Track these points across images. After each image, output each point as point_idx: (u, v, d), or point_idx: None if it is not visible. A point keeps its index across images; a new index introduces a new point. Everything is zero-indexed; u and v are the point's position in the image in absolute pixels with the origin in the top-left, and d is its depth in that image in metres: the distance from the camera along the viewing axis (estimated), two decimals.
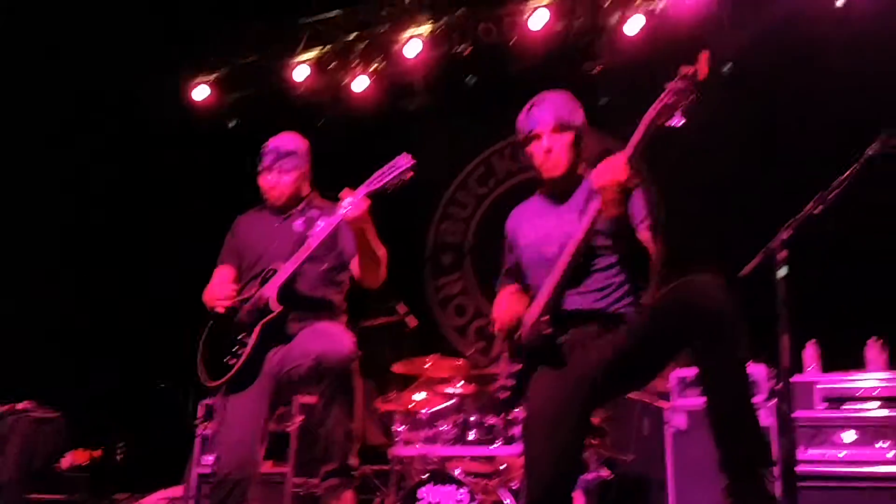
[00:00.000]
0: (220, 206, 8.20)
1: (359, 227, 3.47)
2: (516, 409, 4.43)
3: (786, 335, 3.30)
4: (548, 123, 3.03)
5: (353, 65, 7.80)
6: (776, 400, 4.80)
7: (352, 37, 7.76)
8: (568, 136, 3.03)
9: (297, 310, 3.66)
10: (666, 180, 7.11)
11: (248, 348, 3.55)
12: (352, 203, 3.37)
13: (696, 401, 4.99)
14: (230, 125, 8.32)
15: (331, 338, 3.49)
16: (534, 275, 3.07)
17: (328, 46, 7.85)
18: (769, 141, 6.46)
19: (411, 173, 3.39)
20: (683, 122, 2.75)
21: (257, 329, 3.56)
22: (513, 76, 7.44)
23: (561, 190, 3.11)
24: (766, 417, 4.72)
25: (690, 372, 5.10)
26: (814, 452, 4.47)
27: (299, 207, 3.90)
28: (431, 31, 7.42)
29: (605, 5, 6.87)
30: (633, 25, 6.82)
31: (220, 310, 3.69)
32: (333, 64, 7.88)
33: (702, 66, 2.66)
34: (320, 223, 3.63)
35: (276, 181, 3.83)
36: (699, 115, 7.10)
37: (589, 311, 2.93)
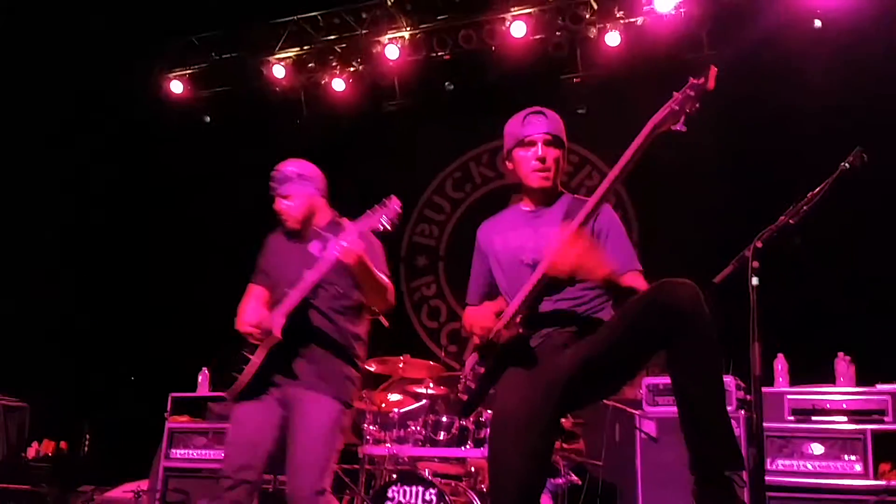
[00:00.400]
0: (199, 202, 8.23)
1: (356, 265, 3.46)
2: (473, 414, 4.44)
3: (756, 344, 3.33)
4: (545, 134, 3.03)
5: (331, 65, 7.79)
6: (744, 410, 4.89)
7: (331, 38, 7.75)
8: (558, 151, 3.06)
9: (304, 344, 3.64)
10: (643, 196, 7.20)
11: (252, 367, 3.61)
12: (347, 244, 3.37)
13: (667, 409, 5.05)
14: (206, 120, 8.27)
15: (300, 466, 3.51)
16: (508, 285, 3.04)
17: (307, 46, 7.83)
18: (746, 157, 6.56)
19: (398, 215, 3.41)
20: (685, 129, 2.75)
21: (262, 351, 3.59)
22: (492, 83, 7.49)
23: (541, 201, 3.10)
24: (736, 427, 4.80)
25: (661, 380, 5.16)
26: (782, 463, 4.55)
27: (316, 229, 3.84)
28: (412, 36, 7.45)
29: (586, 17, 6.93)
30: (613, 39, 6.90)
31: (251, 340, 3.64)
32: (312, 64, 7.87)
33: (710, 78, 2.68)
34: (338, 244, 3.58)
35: (284, 207, 3.82)
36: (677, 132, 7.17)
37: (565, 313, 2.90)
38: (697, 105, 2.68)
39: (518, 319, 2.84)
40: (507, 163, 3.18)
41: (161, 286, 8.03)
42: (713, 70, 2.66)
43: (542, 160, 3.01)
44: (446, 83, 7.68)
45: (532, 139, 3.04)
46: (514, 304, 2.86)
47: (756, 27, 6.31)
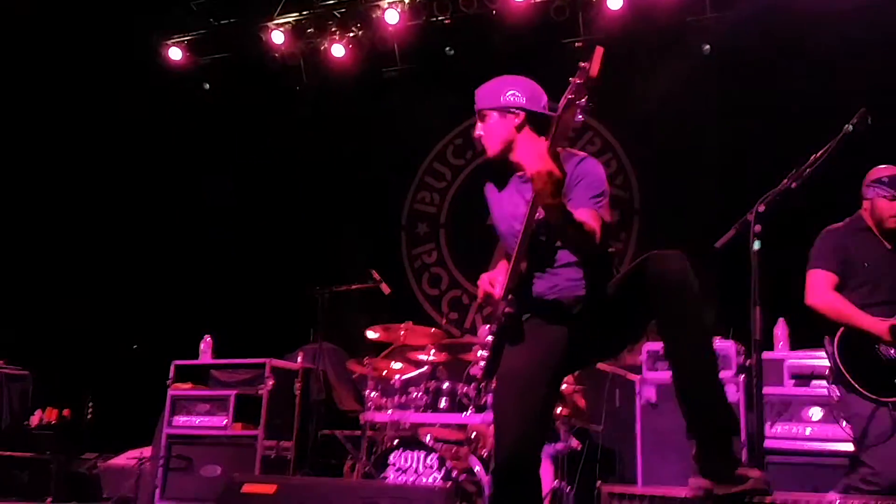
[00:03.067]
0: (195, 168, 8.22)
1: None
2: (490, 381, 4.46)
3: (757, 308, 3.32)
4: (476, 110, 3.10)
5: (331, 30, 7.71)
6: (744, 375, 4.89)
7: (330, 2, 7.67)
8: (490, 121, 3.04)
9: None
10: (644, 162, 7.17)
11: None
12: None
13: (667, 374, 5.04)
14: (206, 87, 8.22)
15: None
16: (508, 245, 3.08)
17: (306, 11, 7.75)
18: (749, 120, 6.51)
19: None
20: (582, 119, 2.53)
21: None
22: (493, 48, 7.41)
23: (512, 169, 3.08)
24: (735, 392, 4.81)
25: (661, 346, 5.15)
26: (781, 428, 4.56)
27: None
28: (411, 0, 7.36)
29: None
30: (615, 2, 6.80)
31: None
32: (311, 29, 7.79)
33: (594, 63, 2.46)
34: None
35: None
36: (679, 93, 7.13)
37: (552, 300, 2.93)
38: (586, 96, 2.47)
39: (509, 299, 2.84)
40: None
41: (162, 254, 8.04)
42: (598, 51, 2.47)
43: (479, 137, 3.10)
44: (447, 48, 7.60)
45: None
46: (504, 281, 2.87)
47: None
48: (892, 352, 3.60)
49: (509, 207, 3.03)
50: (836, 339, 3.72)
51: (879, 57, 5.61)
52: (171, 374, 6.21)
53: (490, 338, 2.96)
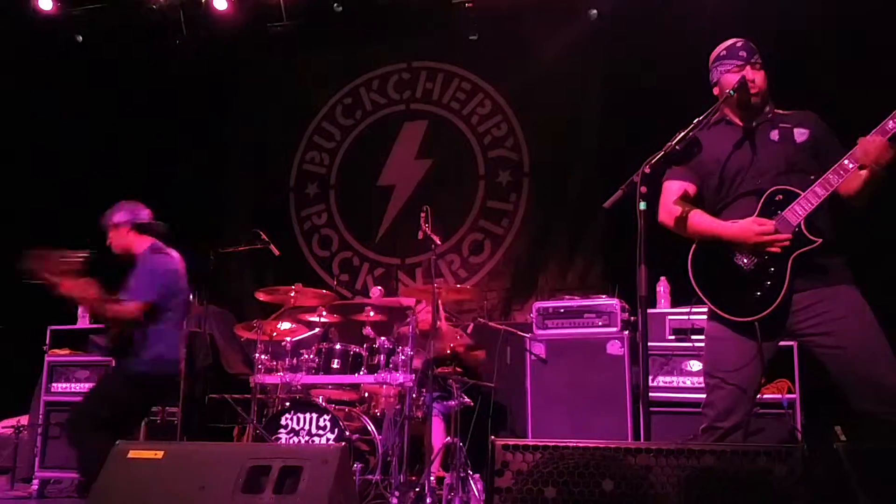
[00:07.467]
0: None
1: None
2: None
3: (643, 266, 3.41)
4: None
5: None
6: (629, 331, 5.07)
7: None
8: None
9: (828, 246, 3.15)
10: (535, 121, 7.25)
11: (786, 283, 3.12)
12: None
13: (555, 332, 5.20)
14: (78, 40, 7.79)
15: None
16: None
17: None
18: (634, 82, 6.65)
19: None
20: None
21: (791, 261, 3.13)
22: (383, 6, 7.29)
23: None
24: (620, 347, 4.99)
25: (551, 304, 5.31)
26: (663, 380, 4.77)
27: (768, 116, 3.37)
28: None
29: None
30: None
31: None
32: None
33: None
34: (801, 131, 3.25)
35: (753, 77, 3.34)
36: (567, 58, 7.19)
37: None
38: None
39: None
40: None
41: (31, 212, 7.62)
42: None
43: None
44: (335, 4, 7.41)
45: None
46: None
47: None
48: (746, 261, 3.18)
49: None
50: (689, 258, 3.34)
51: (766, 23, 5.77)
52: (48, 339, 5.98)
53: None
